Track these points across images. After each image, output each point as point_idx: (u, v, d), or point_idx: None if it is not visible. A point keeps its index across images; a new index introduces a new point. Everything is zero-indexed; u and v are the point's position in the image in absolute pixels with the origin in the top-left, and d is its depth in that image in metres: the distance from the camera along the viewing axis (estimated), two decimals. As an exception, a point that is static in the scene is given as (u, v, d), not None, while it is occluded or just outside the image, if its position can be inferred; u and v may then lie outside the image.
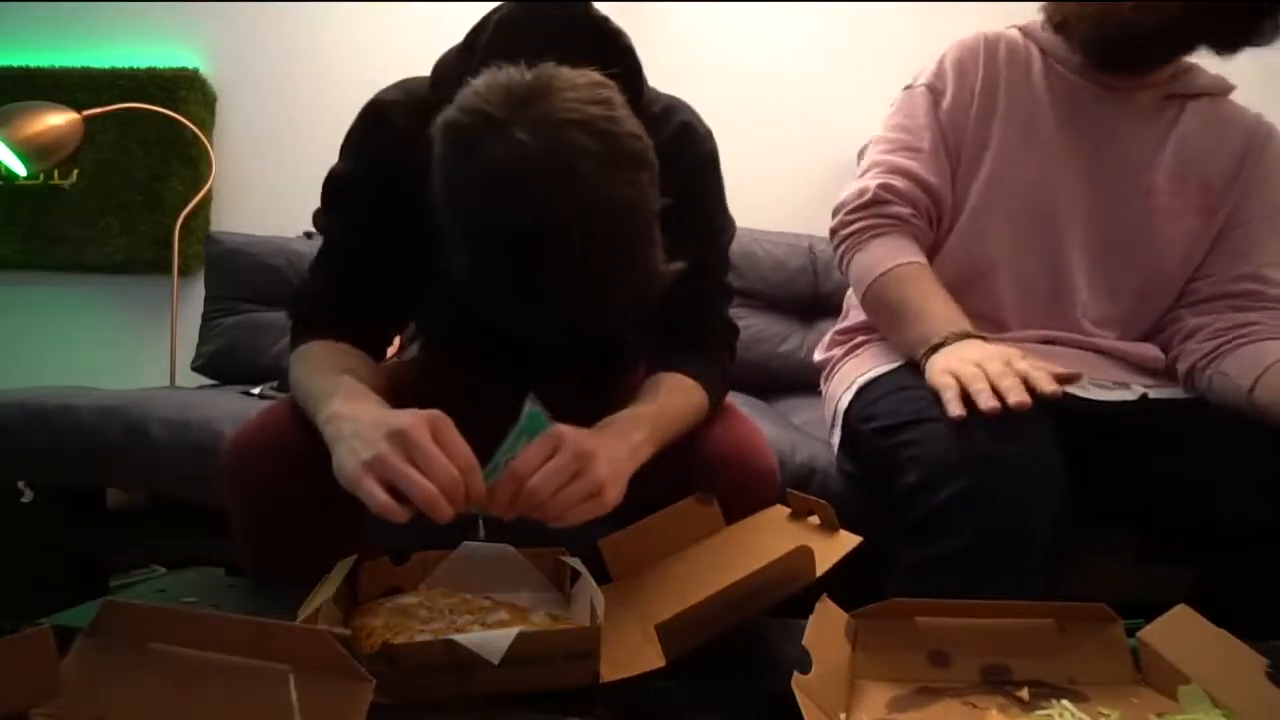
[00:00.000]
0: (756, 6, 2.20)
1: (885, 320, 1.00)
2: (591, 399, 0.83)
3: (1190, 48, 0.91)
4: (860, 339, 1.10)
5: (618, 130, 0.58)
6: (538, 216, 0.56)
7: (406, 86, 0.80)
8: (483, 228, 0.59)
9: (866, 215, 1.00)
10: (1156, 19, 0.87)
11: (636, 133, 0.60)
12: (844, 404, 1.01)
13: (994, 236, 0.99)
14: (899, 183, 0.99)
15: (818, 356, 1.20)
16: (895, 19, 2.20)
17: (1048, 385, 0.73)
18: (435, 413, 0.58)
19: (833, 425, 1.08)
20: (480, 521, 0.64)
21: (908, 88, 1.06)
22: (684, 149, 0.79)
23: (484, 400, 0.91)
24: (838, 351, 1.13)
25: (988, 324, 0.97)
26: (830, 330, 1.20)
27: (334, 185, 0.81)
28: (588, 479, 0.60)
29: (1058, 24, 0.99)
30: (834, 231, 1.05)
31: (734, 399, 0.91)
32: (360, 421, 0.60)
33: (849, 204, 1.02)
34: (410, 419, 0.57)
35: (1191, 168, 0.97)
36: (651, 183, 0.61)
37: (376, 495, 0.55)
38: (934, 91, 1.02)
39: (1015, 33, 1.03)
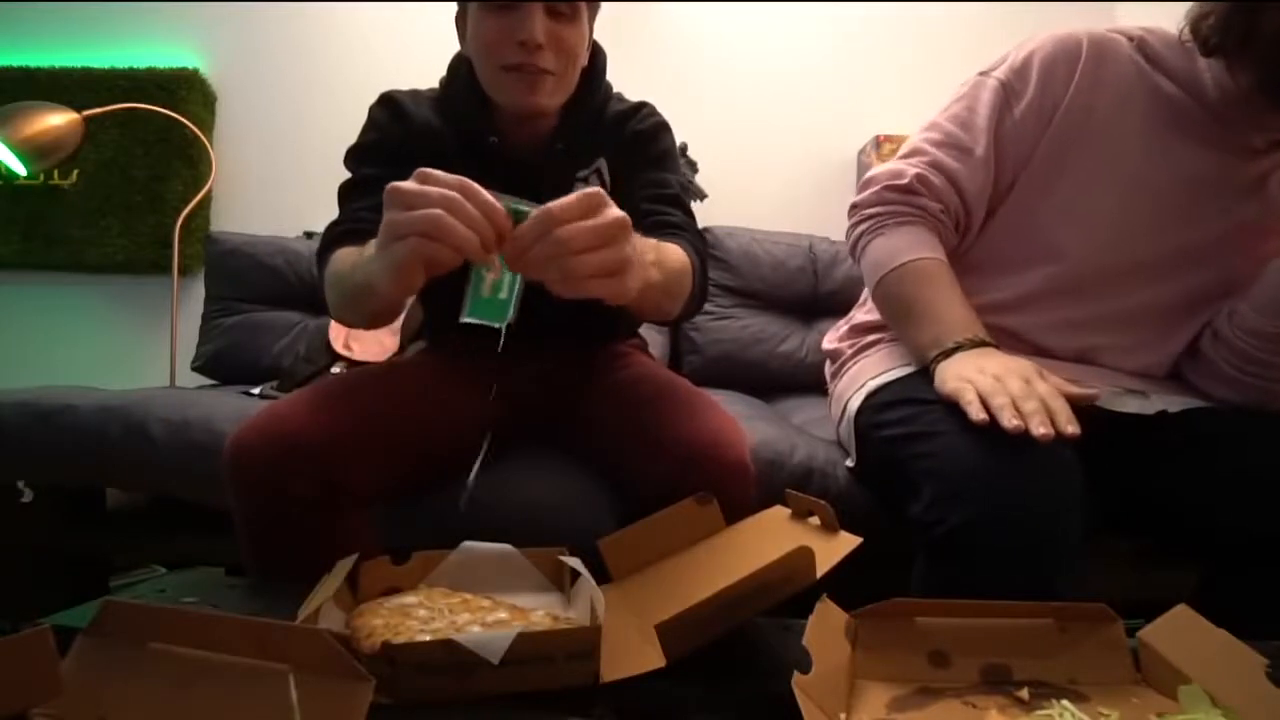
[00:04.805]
0: (756, 7, 2.20)
1: (895, 315, 0.95)
2: (578, 370, 0.99)
3: None
4: (873, 338, 1.07)
5: None
6: None
7: (411, 90, 0.99)
8: None
9: (895, 200, 0.95)
10: None
11: None
12: (854, 405, 0.99)
13: (1074, 257, 0.93)
14: (937, 179, 0.93)
15: (826, 344, 1.17)
16: (895, 20, 2.20)
17: (1068, 425, 0.70)
18: (420, 168, 0.61)
19: (839, 422, 1.07)
20: (503, 329, 0.64)
21: (982, 74, 0.96)
22: (656, 136, 1.00)
23: (477, 398, 0.93)
24: (847, 347, 1.10)
25: (1055, 333, 0.94)
26: (844, 319, 1.15)
27: (356, 152, 0.95)
28: (617, 249, 0.60)
29: (1215, 45, 0.84)
30: (856, 207, 0.99)
31: (732, 398, 0.91)
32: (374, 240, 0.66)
33: (880, 182, 0.96)
34: (396, 182, 0.60)
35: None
36: None
37: (401, 250, 0.59)
38: (1008, 90, 0.93)
39: (1124, 42, 0.92)
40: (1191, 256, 0.93)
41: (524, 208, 0.61)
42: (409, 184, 0.60)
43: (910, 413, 0.85)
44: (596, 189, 0.61)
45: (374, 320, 0.82)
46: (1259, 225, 0.92)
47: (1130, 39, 0.93)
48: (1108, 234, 0.92)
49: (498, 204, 0.59)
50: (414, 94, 0.98)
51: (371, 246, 0.68)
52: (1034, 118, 0.92)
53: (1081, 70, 0.90)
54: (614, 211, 0.60)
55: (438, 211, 0.57)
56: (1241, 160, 0.91)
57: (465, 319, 0.62)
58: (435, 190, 0.58)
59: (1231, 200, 0.91)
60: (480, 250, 0.58)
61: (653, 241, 0.78)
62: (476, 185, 0.59)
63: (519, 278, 0.63)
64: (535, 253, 0.58)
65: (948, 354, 0.83)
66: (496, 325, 0.62)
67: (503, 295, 0.62)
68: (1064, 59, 0.91)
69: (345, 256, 0.81)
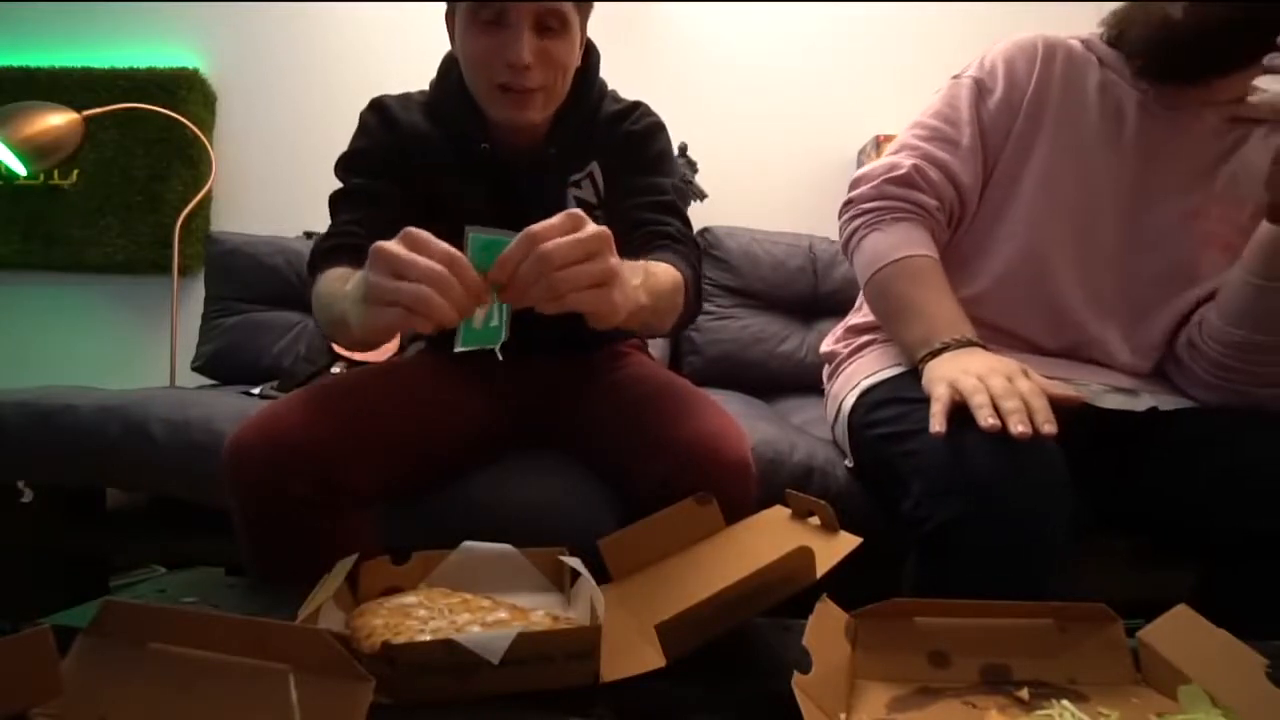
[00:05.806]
0: (756, 7, 2.20)
1: (886, 312, 0.96)
2: (578, 371, 1.00)
3: (1247, 58, 0.81)
4: (866, 338, 1.08)
5: None
6: None
7: (401, 95, 0.98)
8: None
9: (892, 195, 0.96)
10: (1212, 22, 0.82)
11: None
12: (848, 405, 1.00)
13: (1038, 243, 0.95)
14: (933, 172, 0.96)
15: (824, 348, 1.18)
16: (895, 20, 2.21)
17: (1046, 424, 0.70)
18: (407, 229, 0.61)
19: (834, 422, 1.08)
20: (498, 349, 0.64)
21: (955, 77, 1.02)
22: (650, 138, 0.98)
23: (477, 398, 0.94)
24: (842, 348, 1.11)
25: (1033, 325, 0.97)
26: (841, 323, 1.16)
27: (347, 160, 0.95)
28: (601, 261, 0.61)
29: (1114, 38, 0.96)
30: (851, 201, 1.00)
31: (732, 398, 0.92)
32: (355, 278, 0.66)
33: (876, 177, 0.98)
34: (383, 243, 0.60)
35: (1249, 194, 0.91)
36: None
37: (382, 316, 0.59)
38: (980, 86, 0.98)
39: (1076, 43, 0.99)
40: (1151, 240, 0.95)
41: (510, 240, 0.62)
42: (398, 249, 0.59)
43: (900, 411, 0.86)
44: (577, 211, 0.62)
45: (356, 349, 0.82)
46: (1214, 209, 0.94)
47: (1081, 41, 0.99)
48: (1071, 222, 0.95)
49: (480, 278, 0.60)
50: (404, 98, 0.97)
51: (354, 281, 0.68)
52: (1005, 111, 0.97)
53: (1039, 66, 0.97)
54: (596, 228, 0.61)
55: (426, 290, 0.57)
56: (1198, 143, 0.94)
57: (459, 349, 0.62)
58: (423, 264, 0.58)
59: (1186, 182, 0.94)
60: (458, 320, 0.59)
61: (641, 264, 0.77)
62: (463, 258, 0.59)
63: (508, 305, 0.63)
64: (521, 272, 0.59)
65: (935, 353, 0.84)
66: (491, 348, 0.63)
67: (494, 323, 0.63)
68: (1023, 56, 0.98)
69: (331, 280, 0.80)
